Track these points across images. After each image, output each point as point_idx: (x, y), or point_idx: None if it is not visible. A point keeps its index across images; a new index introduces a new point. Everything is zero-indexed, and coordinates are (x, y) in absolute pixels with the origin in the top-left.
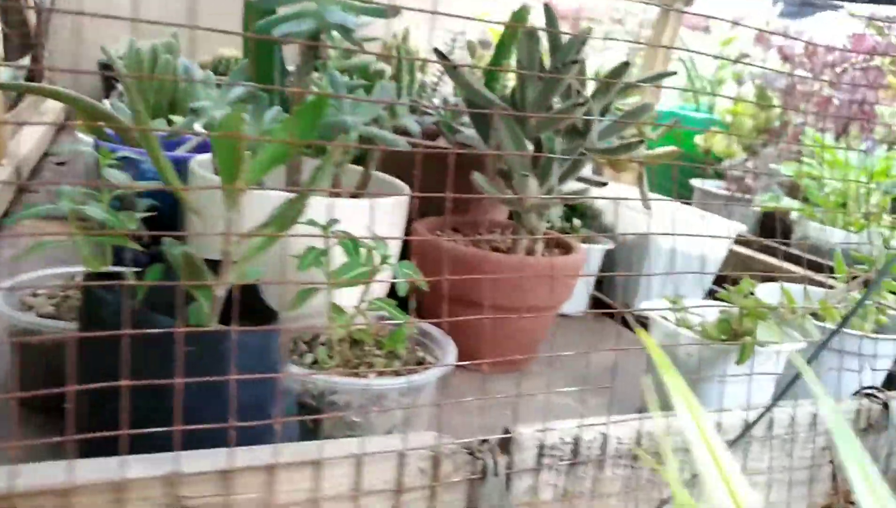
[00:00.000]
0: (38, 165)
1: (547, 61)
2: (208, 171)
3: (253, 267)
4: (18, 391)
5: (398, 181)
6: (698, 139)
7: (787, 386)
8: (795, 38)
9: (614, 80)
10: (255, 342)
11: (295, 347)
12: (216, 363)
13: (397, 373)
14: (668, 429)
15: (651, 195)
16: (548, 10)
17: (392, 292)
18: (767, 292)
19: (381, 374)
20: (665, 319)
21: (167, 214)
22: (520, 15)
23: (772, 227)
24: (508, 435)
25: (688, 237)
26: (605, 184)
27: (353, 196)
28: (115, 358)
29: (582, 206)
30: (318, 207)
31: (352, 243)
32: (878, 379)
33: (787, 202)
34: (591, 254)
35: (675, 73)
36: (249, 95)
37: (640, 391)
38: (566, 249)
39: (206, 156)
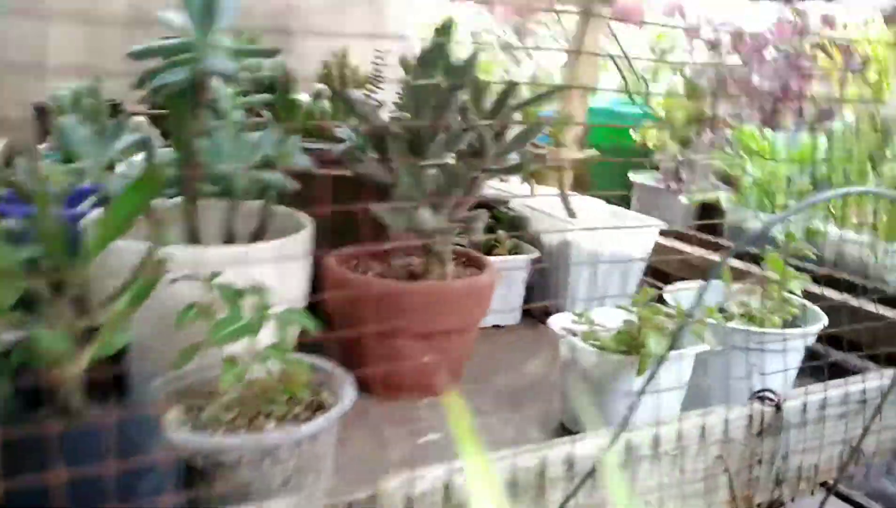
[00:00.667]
0: None
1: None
2: None
3: (121, 335)
4: None
5: (300, 215)
6: (634, 133)
7: (624, 423)
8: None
9: (504, 100)
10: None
11: (190, 405)
12: (76, 451)
13: (297, 418)
14: (544, 464)
15: (578, 198)
16: (446, 31)
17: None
18: (681, 295)
19: (279, 423)
20: (571, 332)
21: None
22: (444, 29)
23: (707, 217)
24: (373, 493)
25: (609, 238)
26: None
27: (256, 235)
28: None
29: (506, 216)
30: (210, 256)
31: (233, 294)
32: (788, 376)
33: (713, 192)
34: (518, 264)
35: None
36: (141, 144)
37: (565, 406)
38: (479, 266)
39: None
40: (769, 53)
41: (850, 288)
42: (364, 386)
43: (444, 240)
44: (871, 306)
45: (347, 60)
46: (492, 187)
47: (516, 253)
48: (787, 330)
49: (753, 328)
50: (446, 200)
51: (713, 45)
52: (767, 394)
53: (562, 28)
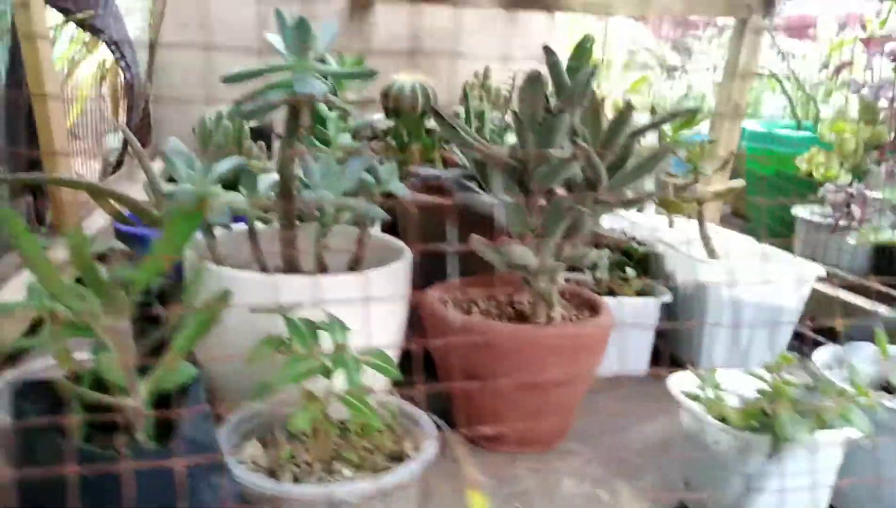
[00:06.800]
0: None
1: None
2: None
3: (184, 369)
4: None
5: (397, 242)
6: (799, 161)
7: None
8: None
9: (621, 123)
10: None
11: (265, 443)
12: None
13: (374, 467)
14: None
15: (724, 234)
16: (549, 53)
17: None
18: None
19: (356, 471)
20: (694, 397)
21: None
22: (581, 47)
23: (884, 263)
24: None
25: (756, 284)
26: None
27: (353, 263)
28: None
29: (637, 253)
30: (302, 286)
31: (308, 330)
32: None
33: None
34: (647, 307)
35: (698, 110)
36: (240, 170)
37: (686, 483)
38: (594, 308)
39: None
40: None
41: None
42: (461, 433)
43: (550, 278)
44: None
45: (488, 82)
46: (626, 219)
47: (646, 294)
48: None
49: None
50: (549, 235)
51: None
52: None
53: (719, 46)
